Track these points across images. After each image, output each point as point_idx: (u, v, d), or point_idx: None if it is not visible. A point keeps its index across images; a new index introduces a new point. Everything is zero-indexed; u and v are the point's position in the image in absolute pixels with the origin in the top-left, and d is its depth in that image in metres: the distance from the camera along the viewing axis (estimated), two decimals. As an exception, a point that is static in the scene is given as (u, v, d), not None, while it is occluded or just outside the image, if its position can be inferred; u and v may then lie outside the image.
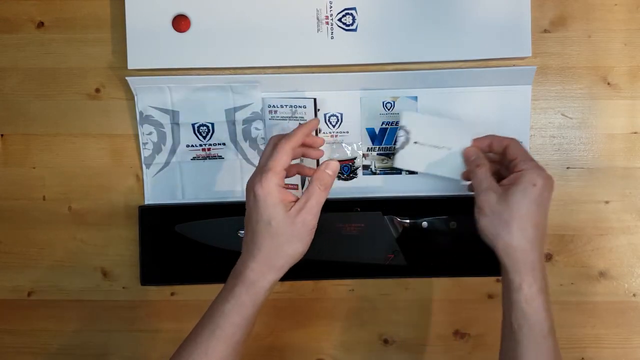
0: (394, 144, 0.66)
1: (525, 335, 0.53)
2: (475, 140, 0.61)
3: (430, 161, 0.63)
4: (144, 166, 0.68)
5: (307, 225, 0.54)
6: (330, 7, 0.65)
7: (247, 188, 0.55)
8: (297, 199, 0.54)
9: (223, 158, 0.68)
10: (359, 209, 0.66)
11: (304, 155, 0.62)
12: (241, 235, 0.66)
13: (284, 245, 0.53)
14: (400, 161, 0.64)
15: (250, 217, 0.55)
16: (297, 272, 0.67)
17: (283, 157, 0.54)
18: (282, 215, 0.53)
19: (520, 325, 0.53)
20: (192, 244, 0.66)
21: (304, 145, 0.59)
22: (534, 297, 0.53)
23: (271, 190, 0.53)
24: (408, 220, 0.65)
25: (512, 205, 0.53)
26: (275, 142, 0.56)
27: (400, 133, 0.63)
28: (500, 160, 0.60)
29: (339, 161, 0.68)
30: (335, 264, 0.66)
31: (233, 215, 0.67)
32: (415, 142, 0.63)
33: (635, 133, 0.67)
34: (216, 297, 0.54)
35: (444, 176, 0.63)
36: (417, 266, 0.66)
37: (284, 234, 0.53)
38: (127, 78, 0.66)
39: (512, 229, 0.53)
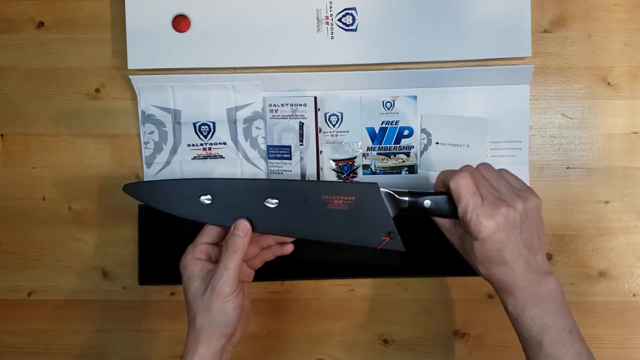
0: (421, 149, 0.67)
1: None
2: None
3: (452, 160, 0.66)
4: (144, 166, 0.68)
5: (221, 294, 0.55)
6: (330, 7, 0.65)
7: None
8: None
9: (224, 157, 0.68)
10: (350, 179, 0.57)
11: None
12: (204, 202, 0.58)
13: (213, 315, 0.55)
14: (424, 163, 0.66)
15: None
16: (297, 272, 0.67)
17: (205, 236, 0.58)
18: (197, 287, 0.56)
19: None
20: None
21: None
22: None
23: (188, 262, 0.57)
24: (407, 198, 0.56)
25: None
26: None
27: (422, 136, 0.64)
28: None
29: (339, 161, 0.68)
30: (335, 264, 0.66)
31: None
32: (437, 143, 0.64)
33: (635, 133, 0.68)
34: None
35: None
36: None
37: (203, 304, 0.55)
38: (130, 77, 0.66)
39: None
